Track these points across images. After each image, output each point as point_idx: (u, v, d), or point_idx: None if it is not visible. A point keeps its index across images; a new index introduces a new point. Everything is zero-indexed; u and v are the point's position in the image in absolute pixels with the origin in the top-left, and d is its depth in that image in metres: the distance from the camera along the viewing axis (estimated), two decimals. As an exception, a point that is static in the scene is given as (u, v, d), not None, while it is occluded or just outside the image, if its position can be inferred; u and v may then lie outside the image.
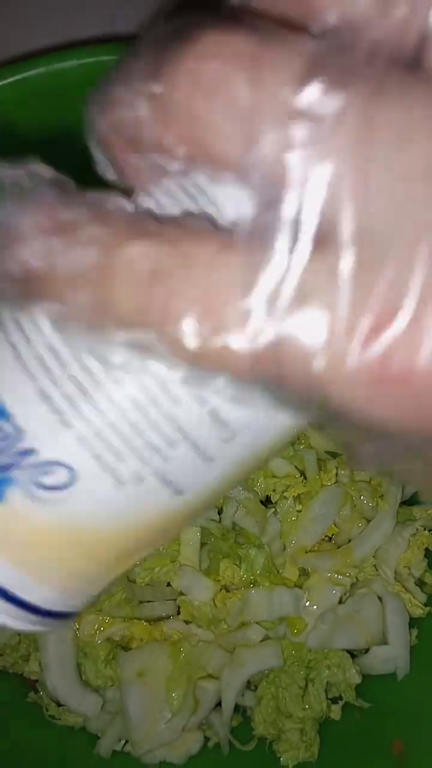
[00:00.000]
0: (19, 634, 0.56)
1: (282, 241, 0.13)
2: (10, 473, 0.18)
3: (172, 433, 0.17)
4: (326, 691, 0.54)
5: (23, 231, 0.15)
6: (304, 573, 0.55)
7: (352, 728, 0.53)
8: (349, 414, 0.14)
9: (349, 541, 0.56)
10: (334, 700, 0.55)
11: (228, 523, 0.54)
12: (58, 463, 0.18)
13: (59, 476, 0.18)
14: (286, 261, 0.13)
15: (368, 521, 0.56)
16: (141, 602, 0.54)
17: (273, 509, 0.55)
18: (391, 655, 0.53)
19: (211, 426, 0.17)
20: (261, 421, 0.18)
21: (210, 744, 0.54)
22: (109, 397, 0.17)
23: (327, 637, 0.53)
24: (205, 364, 0.14)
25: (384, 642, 0.54)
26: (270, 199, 0.14)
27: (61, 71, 0.50)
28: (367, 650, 0.54)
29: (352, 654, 0.55)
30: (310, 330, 0.13)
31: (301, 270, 0.13)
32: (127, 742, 0.53)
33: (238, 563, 0.53)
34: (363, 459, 0.16)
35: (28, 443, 0.18)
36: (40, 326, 0.17)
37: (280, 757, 0.53)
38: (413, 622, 0.55)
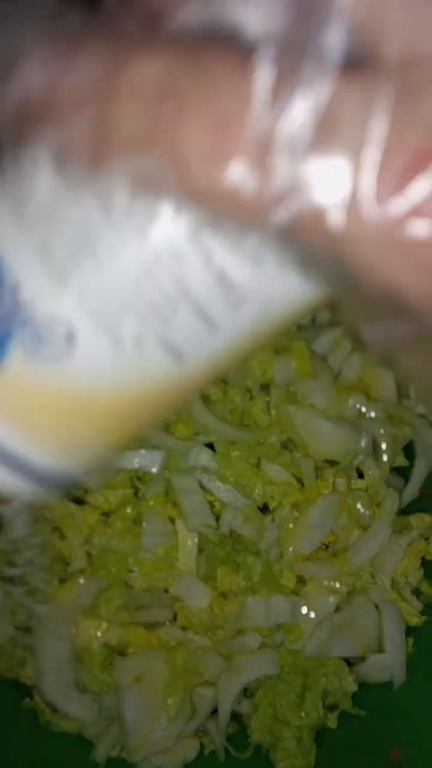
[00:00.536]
0: (14, 640, 0.56)
1: (311, 64, 0.12)
2: (8, 328, 0.17)
3: (175, 294, 0.16)
4: (323, 699, 0.54)
5: (22, 52, 0.14)
6: (301, 580, 0.55)
7: (349, 736, 0.53)
8: (365, 277, 0.12)
9: (346, 549, 0.56)
10: (331, 708, 0.55)
11: (226, 530, 0.54)
12: (57, 321, 0.17)
13: (57, 335, 0.17)
14: (314, 87, 0.12)
15: (365, 529, 0.56)
16: (138, 608, 0.54)
17: (271, 516, 0.55)
18: (388, 663, 0.53)
19: (217, 289, 0.16)
20: (271, 287, 0.16)
21: (206, 751, 0.54)
22: (110, 249, 0.16)
23: (324, 644, 0.53)
24: (213, 200, 0.13)
25: (380, 650, 0.54)
26: (303, 13, 0.12)
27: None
28: (363, 658, 0.55)
29: (349, 662, 0.55)
30: (331, 174, 0.12)
31: (330, 97, 0.12)
32: (123, 748, 0.53)
33: (235, 570, 0.54)
34: (370, 342, 0.15)
35: (26, 298, 0.17)
36: (39, 169, 0.16)
37: (276, 766, 0.53)
38: (409, 631, 0.55)
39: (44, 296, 0.17)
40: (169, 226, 0.16)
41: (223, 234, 0.15)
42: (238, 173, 0.12)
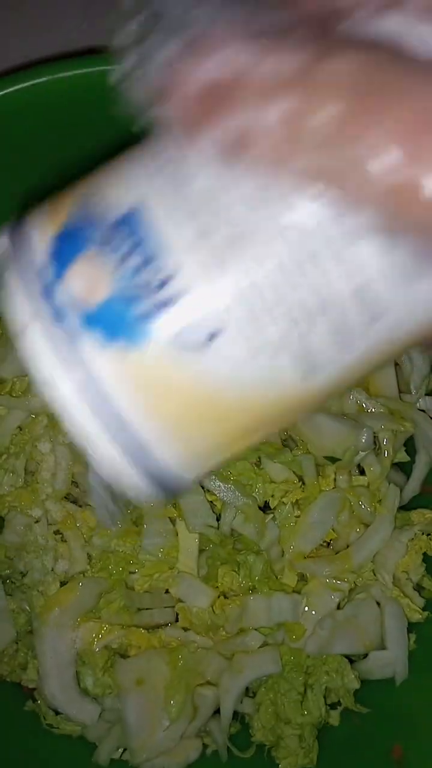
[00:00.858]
0: (17, 642, 0.56)
1: None
2: (156, 312, 0.17)
3: (316, 304, 0.16)
4: (325, 697, 0.54)
5: (214, 38, 0.14)
6: (302, 578, 0.55)
7: (351, 734, 0.53)
8: None
9: (348, 546, 0.56)
10: (333, 706, 0.55)
11: (226, 530, 0.54)
12: (206, 314, 0.17)
13: (202, 327, 0.17)
14: None
15: (366, 526, 0.56)
16: (139, 609, 0.54)
17: (272, 515, 0.55)
18: (390, 660, 0.53)
19: (357, 301, 0.16)
20: (408, 300, 0.16)
21: (208, 751, 0.54)
22: (269, 244, 0.16)
23: (325, 642, 0.53)
24: (391, 205, 0.12)
25: (382, 647, 0.54)
26: None
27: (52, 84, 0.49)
28: (365, 655, 0.54)
29: (351, 659, 0.55)
30: None
31: None
32: (125, 750, 0.53)
33: (236, 570, 0.53)
34: None
35: (179, 285, 0.17)
36: (208, 159, 0.16)
37: (278, 764, 0.53)
38: (411, 627, 0.55)
39: (198, 284, 0.17)
40: (329, 226, 0.15)
41: (377, 242, 0.15)
42: (422, 180, 0.12)
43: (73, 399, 0.19)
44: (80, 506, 0.55)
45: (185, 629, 0.54)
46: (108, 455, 0.19)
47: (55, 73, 0.48)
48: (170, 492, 0.20)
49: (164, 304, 0.17)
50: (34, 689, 0.56)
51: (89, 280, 0.18)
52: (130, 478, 0.20)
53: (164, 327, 0.17)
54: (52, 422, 0.54)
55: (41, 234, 0.19)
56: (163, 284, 0.17)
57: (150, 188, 0.18)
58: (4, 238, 0.20)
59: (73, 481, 0.55)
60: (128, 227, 0.18)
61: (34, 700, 0.56)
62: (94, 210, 0.18)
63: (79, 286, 0.18)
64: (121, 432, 0.18)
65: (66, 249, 0.18)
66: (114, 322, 0.17)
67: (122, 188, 0.18)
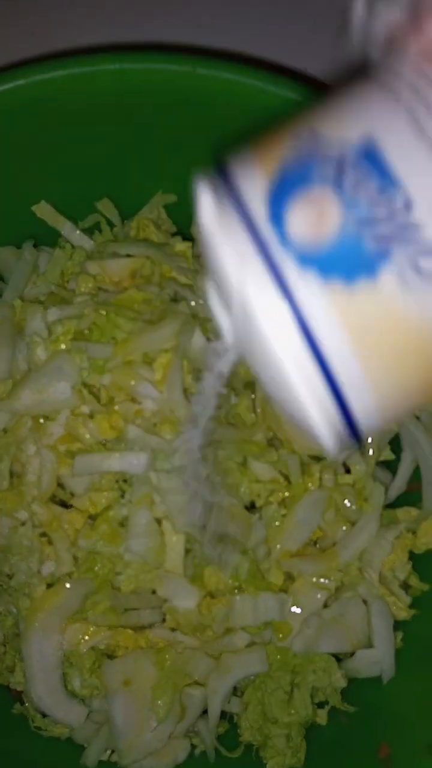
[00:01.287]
0: (4, 645, 0.56)
1: None
2: (391, 247, 0.16)
3: None
4: (312, 696, 0.54)
5: None
6: (289, 577, 0.55)
7: (338, 733, 0.54)
8: None
9: (334, 544, 0.56)
10: (320, 705, 0.55)
11: (213, 529, 0.54)
12: None
13: None
14: None
15: (353, 524, 0.56)
16: (126, 610, 0.54)
17: (258, 514, 0.55)
18: (377, 659, 0.53)
19: None
20: None
21: (197, 752, 0.54)
22: None
23: (312, 641, 0.53)
24: None
25: (369, 645, 0.54)
26: None
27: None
28: (352, 654, 0.55)
29: (338, 658, 0.55)
30: None
31: None
32: (113, 751, 0.53)
33: (223, 569, 0.53)
34: None
35: (416, 218, 0.16)
36: None
37: (266, 764, 0.53)
38: (398, 625, 0.55)
39: None
40: None
41: None
42: None
43: (286, 339, 0.18)
44: (67, 507, 0.55)
45: (172, 630, 0.54)
46: (311, 394, 0.19)
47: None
48: (360, 438, 0.20)
49: (403, 233, 0.17)
50: (21, 692, 0.56)
51: (314, 218, 0.17)
52: (329, 421, 0.19)
53: (401, 257, 0.17)
54: (37, 424, 0.53)
55: (253, 179, 0.19)
56: (399, 214, 0.17)
57: (383, 123, 0.18)
58: (206, 188, 0.19)
59: (58, 484, 0.55)
60: (361, 162, 0.17)
61: (22, 703, 0.56)
62: (316, 147, 0.18)
63: (302, 225, 0.17)
64: (328, 371, 0.18)
65: (284, 190, 0.18)
66: (342, 258, 0.17)
67: (348, 124, 0.18)
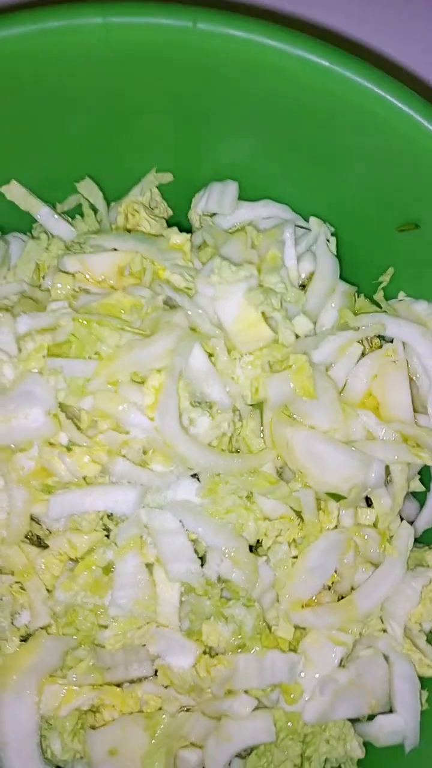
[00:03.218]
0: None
1: None
2: None
3: None
4: (325, 764, 0.47)
5: None
6: (300, 626, 0.48)
7: (354, 807, 0.47)
8: None
9: (352, 589, 0.49)
10: (333, 771, 0.49)
11: (212, 576, 0.46)
12: None
13: None
14: None
15: (375, 566, 0.49)
16: (112, 666, 0.47)
17: (265, 556, 0.48)
18: (399, 726, 0.47)
19: None
20: None
21: None
22: None
23: (327, 709, 0.46)
24: None
25: (390, 707, 0.48)
26: None
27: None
28: (371, 716, 0.48)
29: (354, 719, 0.48)
30: None
31: None
32: None
33: (224, 624, 0.46)
34: None
35: None
36: None
37: None
38: (425, 683, 0.48)
39: None
40: None
41: None
42: None
43: None
44: (44, 547, 0.47)
45: (165, 687, 0.47)
46: None
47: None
48: None
49: None
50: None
51: None
52: None
53: None
54: (6, 454, 0.45)
55: None
56: None
57: None
58: None
59: (33, 519, 0.47)
60: None
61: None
62: None
63: None
64: None
65: None
66: None
67: None
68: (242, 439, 0.49)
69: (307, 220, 0.53)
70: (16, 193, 0.50)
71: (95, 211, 0.54)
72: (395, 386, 0.49)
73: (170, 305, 0.47)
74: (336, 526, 0.48)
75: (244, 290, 0.45)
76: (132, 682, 0.48)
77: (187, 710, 0.47)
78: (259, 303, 0.45)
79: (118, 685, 0.48)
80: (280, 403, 0.47)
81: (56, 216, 0.52)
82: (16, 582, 0.47)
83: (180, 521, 0.46)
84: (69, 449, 0.44)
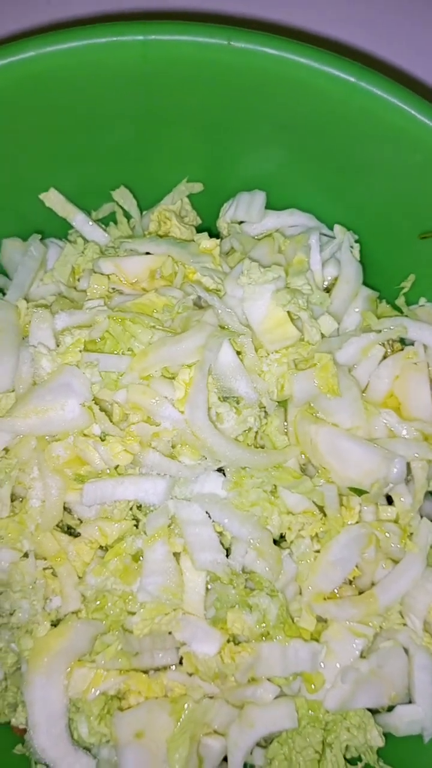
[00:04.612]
0: (5, 680, 0.51)
1: None
2: None
3: None
4: (345, 751, 0.48)
5: None
6: (322, 619, 0.49)
7: (374, 797, 0.48)
8: None
9: (373, 584, 0.50)
10: (353, 761, 0.49)
11: (237, 567, 0.48)
12: None
13: None
14: None
15: (395, 562, 0.50)
16: (139, 652, 0.48)
17: (288, 549, 0.49)
18: (418, 716, 0.48)
19: None
20: None
21: (215, 810, 0.49)
22: None
23: (348, 697, 0.47)
24: None
25: (409, 699, 0.49)
26: None
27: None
28: (391, 707, 0.49)
29: (373, 710, 0.49)
30: None
31: None
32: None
33: (248, 611, 0.47)
34: None
35: None
36: None
37: None
38: (443, 677, 0.49)
39: None
40: None
41: None
42: None
43: None
44: (75, 536, 0.49)
45: (190, 674, 0.49)
46: None
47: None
48: None
49: None
50: (25, 730, 0.51)
51: None
52: None
53: None
54: (42, 444, 0.48)
55: None
56: None
57: None
58: None
59: (65, 508, 0.49)
60: None
61: (24, 743, 0.51)
62: None
63: None
64: None
65: None
66: None
67: None
68: (267, 435, 0.51)
69: (331, 229, 0.55)
70: (54, 200, 0.53)
71: (128, 218, 0.56)
72: (416, 387, 0.51)
73: (200, 306, 0.50)
74: (358, 522, 0.50)
75: (272, 291, 0.47)
76: (158, 669, 0.49)
77: (211, 698, 0.49)
78: (286, 303, 0.47)
79: (145, 672, 0.49)
80: (304, 399, 0.49)
81: (91, 222, 0.55)
82: (49, 568, 0.48)
83: (206, 513, 0.48)
84: (102, 439, 0.47)
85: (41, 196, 0.53)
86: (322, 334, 0.49)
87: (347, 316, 0.52)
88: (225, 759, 0.49)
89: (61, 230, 0.55)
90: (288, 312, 0.48)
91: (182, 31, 0.44)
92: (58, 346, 0.47)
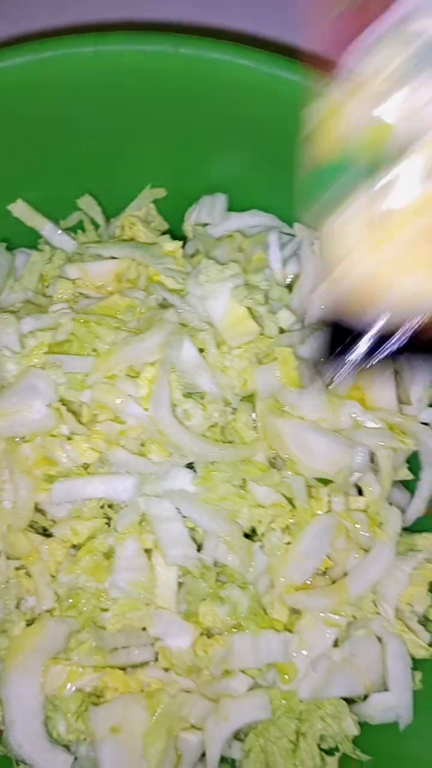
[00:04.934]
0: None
1: None
2: None
3: None
4: (320, 743, 0.49)
5: None
6: (294, 612, 0.50)
7: (350, 785, 0.48)
8: None
9: (345, 574, 0.51)
10: (330, 752, 0.50)
11: (208, 561, 0.49)
12: None
13: None
14: None
15: (366, 551, 0.51)
16: (114, 649, 0.49)
17: (259, 542, 0.50)
18: (393, 704, 0.48)
19: None
20: None
21: (193, 804, 0.49)
22: None
23: (321, 685, 0.47)
24: None
25: (384, 688, 0.49)
26: None
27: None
28: (365, 697, 0.49)
29: (349, 699, 0.50)
30: None
31: None
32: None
33: (220, 605, 0.48)
34: None
35: None
36: None
37: None
38: (416, 664, 0.49)
39: None
40: None
41: None
42: None
43: None
44: (47, 535, 0.50)
45: (166, 669, 0.49)
46: None
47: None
48: None
49: None
50: (1, 731, 0.51)
51: None
52: None
53: None
54: (11, 446, 0.49)
55: None
56: None
57: None
58: None
59: (38, 510, 0.50)
60: None
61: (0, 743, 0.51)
62: None
63: None
64: None
65: None
66: None
67: None
68: (235, 431, 0.51)
69: (292, 227, 0.56)
70: (21, 210, 0.55)
71: (97, 226, 0.58)
72: (380, 378, 0.52)
73: (163, 306, 0.51)
74: (328, 512, 0.50)
75: (231, 288, 0.49)
76: (134, 666, 0.50)
77: (188, 692, 0.49)
78: (243, 298, 0.48)
79: (122, 669, 0.50)
80: (268, 393, 0.50)
81: (59, 231, 0.56)
82: (22, 567, 0.49)
83: (177, 509, 0.49)
84: (69, 438, 0.48)
85: (9, 207, 0.55)
86: (281, 328, 0.50)
87: (310, 311, 0.53)
88: (203, 755, 0.50)
89: (30, 240, 0.57)
90: (249, 308, 0.49)
91: (129, 41, 0.45)
92: (23, 348, 0.48)
